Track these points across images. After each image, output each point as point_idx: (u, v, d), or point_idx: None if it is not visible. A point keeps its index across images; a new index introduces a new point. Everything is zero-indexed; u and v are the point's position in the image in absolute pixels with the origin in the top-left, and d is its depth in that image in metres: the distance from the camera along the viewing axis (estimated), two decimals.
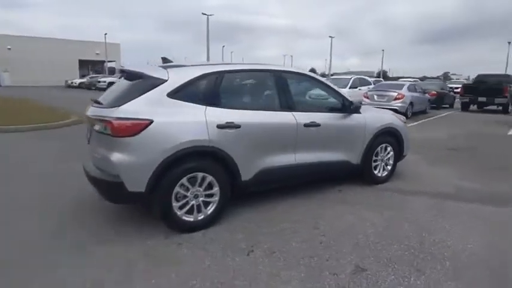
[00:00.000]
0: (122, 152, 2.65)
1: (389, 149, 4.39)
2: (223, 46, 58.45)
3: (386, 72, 68.53)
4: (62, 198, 3.70)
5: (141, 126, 2.65)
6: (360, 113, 3.99)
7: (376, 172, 4.31)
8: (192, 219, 2.95)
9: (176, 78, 2.90)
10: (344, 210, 3.50)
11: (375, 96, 12.52)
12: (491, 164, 5.59)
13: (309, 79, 3.90)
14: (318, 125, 3.59)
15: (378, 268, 2.44)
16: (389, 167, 4.45)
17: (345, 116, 3.88)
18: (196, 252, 2.65)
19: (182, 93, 2.90)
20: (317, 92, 3.93)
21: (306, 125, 3.51)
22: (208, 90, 3.06)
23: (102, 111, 2.82)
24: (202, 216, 2.99)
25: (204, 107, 2.97)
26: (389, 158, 4.44)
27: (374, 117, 4.22)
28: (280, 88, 3.48)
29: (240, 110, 3.18)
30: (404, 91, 12.37)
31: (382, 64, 65.46)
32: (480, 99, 14.66)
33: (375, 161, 4.26)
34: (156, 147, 2.70)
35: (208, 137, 2.89)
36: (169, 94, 2.84)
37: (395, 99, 12.11)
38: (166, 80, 2.85)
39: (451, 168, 5.23)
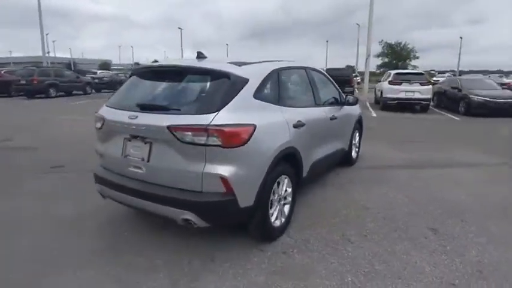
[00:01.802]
0: (234, 164, 2.32)
1: (358, 133, 5.30)
2: (47, 34, 48.33)
3: None
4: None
5: (249, 132, 2.39)
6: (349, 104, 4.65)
7: (353, 154, 5.14)
8: (278, 225, 2.88)
9: (254, 77, 2.70)
10: (349, 188, 4.20)
11: None
12: (398, 139, 7.47)
13: (321, 75, 4.24)
14: (335, 118, 4.03)
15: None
16: (357, 149, 5.38)
17: (343, 108, 4.46)
18: (309, 254, 2.67)
19: (261, 93, 2.74)
20: (326, 86, 4.31)
21: (331, 119, 3.89)
22: (274, 89, 2.98)
23: (183, 119, 2.33)
24: (283, 220, 2.96)
25: (278, 106, 2.91)
26: (358, 140, 5.36)
27: (352, 108, 5.00)
28: (313, 84, 3.71)
29: (300, 108, 3.26)
30: None
31: (227, 57, 69.65)
32: None
33: (354, 144, 5.08)
34: (262, 154, 2.52)
35: (289, 138, 2.87)
36: (254, 95, 2.64)
37: None
38: (248, 79, 2.62)
39: (383, 145, 6.70)
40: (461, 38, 47.66)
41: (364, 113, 6.15)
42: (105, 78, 22.63)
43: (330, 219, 3.31)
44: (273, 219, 2.78)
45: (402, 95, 12.31)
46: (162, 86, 2.74)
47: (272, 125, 2.70)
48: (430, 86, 12.55)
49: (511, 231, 3.10)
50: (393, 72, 13.33)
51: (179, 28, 46.05)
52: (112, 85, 22.34)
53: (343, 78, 18.25)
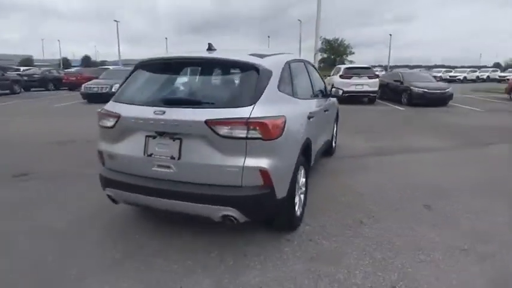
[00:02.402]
0: (272, 156, 2.34)
1: (335, 124, 5.62)
2: None
3: None
4: None
5: (283, 124, 2.44)
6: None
7: (333, 144, 5.45)
8: (299, 214, 2.99)
9: (276, 69, 2.72)
10: (337, 176, 4.49)
11: None
12: (359, 129, 8.06)
13: (313, 67, 4.39)
14: (327, 110, 4.24)
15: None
16: (335, 140, 5.70)
17: (329, 99, 4.70)
18: (334, 239, 2.83)
19: (282, 85, 2.78)
20: (317, 79, 4.47)
21: (324, 110, 4.09)
22: (289, 81, 3.04)
23: (221, 113, 2.28)
24: (301, 209, 3.07)
25: (295, 98, 2.99)
26: (336, 131, 5.69)
27: (333, 100, 5.28)
28: (311, 77, 3.86)
29: (307, 100, 3.38)
30: None
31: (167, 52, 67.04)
32: None
33: (333, 135, 5.38)
34: (293, 145, 2.60)
35: (307, 129, 2.99)
36: (278, 87, 2.68)
37: None
38: (272, 72, 2.64)
39: (348, 135, 7.17)
40: (390, 35, 52.44)
41: None
42: (35, 75, 20.27)
43: (333, 205, 3.51)
44: (296, 208, 2.88)
45: (353, 88, 13.19)
46: (187, 79, 2.64)
47: (296, 117, 2.78)
48: (377, 79, 13.67)
49: (492, 204, 3.62)
50: (343, 66, 14.24)
51: (115, 21, 42.94)
52: (44, 83, 20.14)
53: None
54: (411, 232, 2.96)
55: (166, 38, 69.37)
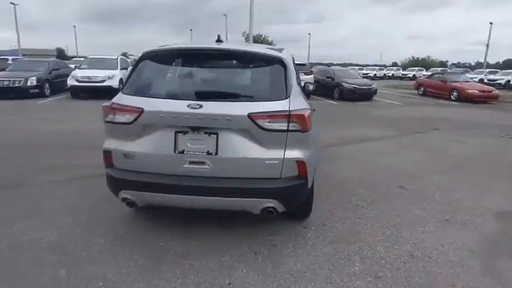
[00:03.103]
0: (306, 147, 2.46)
1: None
2: None
3: (64, 50, 63.70)
4: None
5: (311, 116, 2.58)
6: None
7: None
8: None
9: (290, 63, 2.81)
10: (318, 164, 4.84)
11: None
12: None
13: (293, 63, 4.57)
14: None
15: None
16: None
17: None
18: (344, 221, 3.11)
19: (295, 79, 2.90)
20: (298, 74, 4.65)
21: None
22: (296, 75, 3.17)
23: (262, 106, 2.32)
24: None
25: (302, 92, 3.15)
26: None
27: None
28: (296, 71, 4.05)
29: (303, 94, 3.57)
30: None
31: (77, 42, 60.48)
32: None
33: None
34: (318, 137, 2.74)
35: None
36: (296, 79, 2.80)
37: None
38: (289, 65, 2.74)
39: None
40: (309, 34, 56.10)
41: None
42: None
43: (326, 192, 3.80)
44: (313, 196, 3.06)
45: None
46: (214, 72, 2.55)
47: (310, 109, 2.95)
48: (312, 75, 14.67)
49: (452, 181, 4.35)
50: None
51: (12, 4, 36.61)
52: None
53: None
54: (401, 210, 3.41)
55: (74, 26, 61.98)
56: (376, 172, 4.59)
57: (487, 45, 33.07)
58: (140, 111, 2.34)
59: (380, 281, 2.29)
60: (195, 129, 2.34)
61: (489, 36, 33.37)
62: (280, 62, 2.57)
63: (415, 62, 59.79)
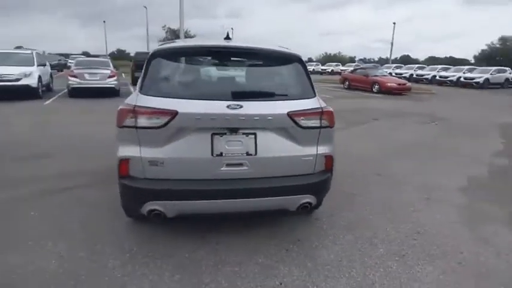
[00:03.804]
0: (332, 142, 2.58)
1: None
2: None
3: None
4: None
5: None
6: None
7: None
8: None
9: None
10: None
11: (86, 75, 11.86)
12: None
13: None
14: None
15: None
16: None
17: None
18: (346, 209, 3.35)
19: None
20: None
21: None
22: None
23: (299, 104, 2.38)
24: None
25: None
26: None
27: None
28: None
29: None
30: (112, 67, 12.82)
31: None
32: None
33: None
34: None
35: None
36: None
37: (110, 77, 12.29)
38: None
39: None
40: (232, 28, 56.40)
41: None
42: None
43: None
44: None
45: None
46: (243, 70, 2.47)
47: None
48: None
49: (411, 164, 4.96)
50: None
51: None
52: None
53: None
54: (388, 194, 3.81)
55: None
56: (352, 161, 4.96)
57: (392, 43, 37.78)
58: (174, 114, 2.18)
59: (406, 258, 2.57)
60: (234, 130, 2.27)
61: (393, 35, 38.10)
62: (300, 60, 2.65)
63: (328, 58, 64.68)
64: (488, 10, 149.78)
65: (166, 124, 2.19)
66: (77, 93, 11.48)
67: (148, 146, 2.24)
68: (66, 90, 12.04)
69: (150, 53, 2.48)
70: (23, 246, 2.57)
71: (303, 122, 2.37)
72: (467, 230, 3.05)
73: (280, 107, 2.33)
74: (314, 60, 75.05)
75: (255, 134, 2.31)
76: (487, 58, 43.83)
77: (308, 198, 2.47)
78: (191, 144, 2.26)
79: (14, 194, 3.50)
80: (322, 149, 2.51)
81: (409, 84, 16.79)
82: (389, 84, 15.75)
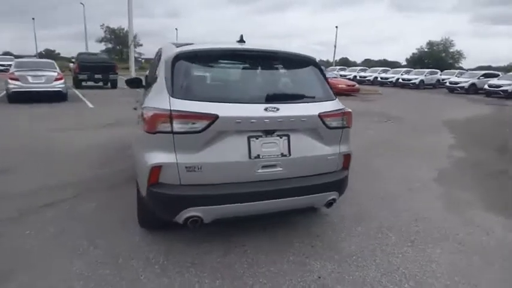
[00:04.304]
0: (349, 141, 2.78)
1: None
2: None
3: None
4: None
5: None
6: None
7: None
8: None
9: None
10: None
11: (29, 78, 10.79)
12: None
13: None
14: None
15: None
16: None
17: None
18: (348, 203, 3.59)
19: None
20: None
21: None
22: None
23: (316, 105, 2.52)
24: None
25: None
26: None
27: None
28: None
29: None
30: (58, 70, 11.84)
31: None
32: (97, 76, 16.99)
33: None
34: None
35: None
36: None
37: (56, 79, 11.33)
38: None
39: None
40: (176, 29, 55.27)
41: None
42: None
43: None
44: None
45: None
46: (269, 73, 2.55)
47: None
48: None
49: (386, 160, 5.42)
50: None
51: None
52: None
53: (104, 65, 17.20)
54: (374, 187, 4.15)
55: None
56: None
57: (335, 46, 40.04)
58: (214, 118, 2.19)
59: (416, 243, 2.86)
60: (269, 132, 2.35)
61: (336, 38, 40.60)
62: (316, 63, 2.81)
63: None
64: (417, 17, 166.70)
65: (205, 128, 2.20)
66: (19, 98, 10.41)
67: (185, 151, 2.22)
68: (3, 95, 10.87)
69: (173, 56, 2.44)
70: (39, 269, 2.36)
71: (330, 123, 2.53)
72: (454, 214, 3.47)
73: (311, 109, 2.47)
74: None
75: (288, 135, 2.41)
76: (417, 61, 48.58)
77: (334, 195, 2.64)
78: (228, 148, 2.29)
79: None
80: (343, 148, 2.70)
81: (357, 85, 18.04)
82: (340, 85, 16.76)
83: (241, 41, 2.88)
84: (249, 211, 2.43)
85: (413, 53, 52.94)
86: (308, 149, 2.50)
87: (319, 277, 2.37)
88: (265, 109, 2.31)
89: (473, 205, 3.73)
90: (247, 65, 2.59)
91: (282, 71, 2.78)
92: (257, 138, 2.34)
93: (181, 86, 2.33)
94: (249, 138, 2.32)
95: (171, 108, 2.18)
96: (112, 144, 5.78)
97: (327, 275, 2.40)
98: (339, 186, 2.67)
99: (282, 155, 2.41)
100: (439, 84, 26.25)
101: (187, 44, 2.63)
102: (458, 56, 52.62)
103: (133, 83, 4.90)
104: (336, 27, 40.62)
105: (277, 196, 2.41)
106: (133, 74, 18.45)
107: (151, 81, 3.21)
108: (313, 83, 2.71)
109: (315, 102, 2.57)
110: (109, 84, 17.61)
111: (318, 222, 3.18)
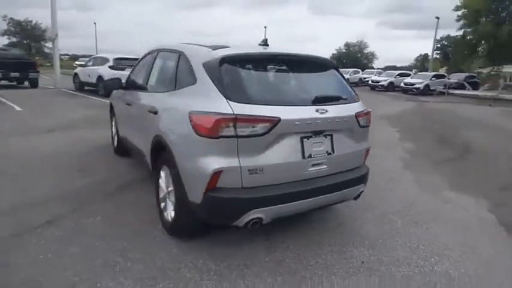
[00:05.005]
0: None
1: None
2: None
3: None
4: None
5: None
6: None
7: None
8: None
9: None
10: None
11: None
12: None
13: None
14: None
15: None
16: None
17: None
18: None
19: None
20: None
21: None
22: None
23: (351, 106, 2.80)
24: None
25: None
26: None
27: None
28: None
29: None
30: None
31: None
32: (13, 74, 14.93)
33: None
34: None
35: None
36: None
37: None
38: None
39: None
40: (95, 23, 50.91)
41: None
42: None
43: None
44: None
45: None
46: (308, 76, 2.77)
47: None
48: None
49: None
50: (111, 56, 13.39)
51: None
52: None
53: (22, 62, 15.22)
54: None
55: None
56: None
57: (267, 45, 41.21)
58: (277, 121, 2.28)
59: (419, 224, 3.32)
60: (318, 133, 2.53)
61: (265, 37, 41.85)
62: (336, 66, 3.09)
63: None
64: (332, 20, 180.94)
65: (268, 131, 2.29)
66: None
67: (247, 154, 2.28)
68: None
69: (218, 59, 2.45)
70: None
71: (361, 122, 2.82)
72: (434, 197, 4.08)
73: (349, 109, 2.74)
74: None
75: (331, 134, 2.63)
76: (337, 61, 52.83)
77: (362, 188, 2.93)
78: (286, 149, 2.41)
79: None
80: (366, 145, 3.01)
81: None
82: None
83: (265, 44, 3.00)
84: (301, 209, 2.58)
85: (333, 54, 57.52)
86: (346, 147, 2.74)
87: (363, 262, 2.64)
88: (317, 110, 2.49)
89: (444, 188, 4.42)
90: (287, 69, 2.73)
91: (316, 74, 2.97)
92: (308, 139, 2.50)
93: (235, 90, 2.37)
94: (301, 138, 2.47)
95: (235, 112, 2.21)
96: (74, 151, 5.30)
97: (368, 259, 2.68)
98: (366, 178, 2.98)
99: (327, 153, 2.61)
100: (361, 82, 29.09)
101: (223, 47, 2.65)
102: (372, 56, 58.76)
103: (114, 86, 4.58)
104: (265, 27, 42.03)
105: (324, 192, 2.60)
106: (58, 73, 16.66)
107: (168, 83, 3.11)
108: (342, 85, 2.97)
109: (350, 103, 2.83)
110: (27, 83, 15.63)
111: (333, 212, 3.45)
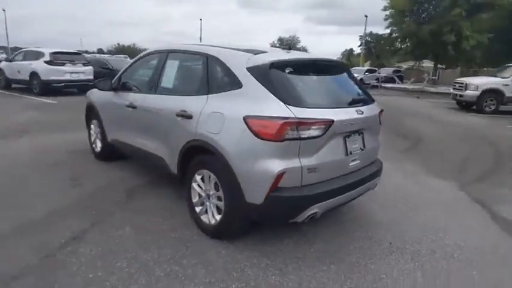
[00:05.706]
0: None
1: None
2: None
3: None
4: None
5: None
6: None
7: None
8: None
9: None
10: None
11: None
12: None
13: None
14: None
15: None
16: None
17: None
18: None
19: None
20: None
21: None
22: None
23: (374, 106, 3.17)
24: None
25: None
26: None
27: None
28: None
29: None
30: None
31: None
32: None
33: None
34: None
35: None
36: None
37: None
38: None
39: None
40: (4, 10, 44.72)
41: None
42: None
43: None
44: None
45: (68, 77, 12.00)
46: (337, 79, 3.07)
47: None
48: (91, 66, 13.07)
49: None
50: (47, 51, 12.11)
51: None
52: None
53: None
54: None
55: None
56: None
57: (200, 38, 40.84)
58: (331, 123, 2.53)
59: (420, 211, 3.82)
60: (356, 131, 2.85)
61: (201, 31, 41.47)
62: (348, 69, 3.44)
63: (122, 50, 60.12)
64: (261, 14, 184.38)
65: (324, 133, 2.53)
66: None
67: (306, 155, 2.51)
68: None
69: (267, 64, 2.65)
70: None
71: (380, 119, 3.24)
72: (419, 185, 4.69)
73: (375, 109, 3.13)
74: (105, 51, 65.79)
75: (363, 132, 2.97)
76: None
77: (378, 180, 3.35)
78: (334, 148, 2.68)
79: None
80: (379, 141, 3.42)
81: None
82: None
83: (289, 48, 3.23)
84: (343, 201, 2.89)
85: None
86: (370, 142, 3.12)
87: (390, 243, 3.04)
88: (357, 111, 2.81)
89: (423, 175, 5.11)
90: (325, 73, 3.04)
91: (343, 77, 3.27)
92: (349, 137, 2.81)
93: (289, 94, 2.56)
94: (344, 137, 2.77)
95: (298, 116, 2.41)
96: (50, 158, 4.93)
97: (393, 241, 3.08)
98: (382, 170, 3.39)
99: (361, 149, 2.96)
100: None
101: (262, 52, 2.82)
102: (304, 51, 61.40)
103: (105, 87, 4.33)
104: (200, 19, 41.47)
105: (360, 184, 2.95)
106: None
107: (196, 86, 3.12)
108: (361, 87, 3.34)
109: (372, 103, 3.21)
110: None
111: (345, 206, 3.77)
